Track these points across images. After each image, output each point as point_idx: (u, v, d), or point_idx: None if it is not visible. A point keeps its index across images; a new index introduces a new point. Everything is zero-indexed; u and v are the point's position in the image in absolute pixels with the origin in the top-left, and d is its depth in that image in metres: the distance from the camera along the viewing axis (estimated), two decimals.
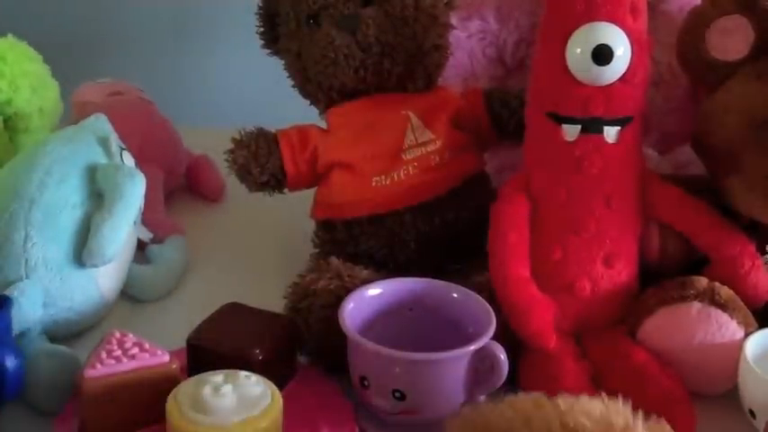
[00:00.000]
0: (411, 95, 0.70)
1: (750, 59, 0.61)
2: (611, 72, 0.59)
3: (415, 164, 0.68)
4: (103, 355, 0.55)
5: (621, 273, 0.62)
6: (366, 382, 0.56)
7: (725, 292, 0.60)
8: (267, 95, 0.96)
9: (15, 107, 0.79)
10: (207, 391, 0.50)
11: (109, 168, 0.66)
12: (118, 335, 0.57)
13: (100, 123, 0.71)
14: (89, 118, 0.71)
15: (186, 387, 0.51)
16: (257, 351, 0.56)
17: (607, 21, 0.58)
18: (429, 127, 0.69)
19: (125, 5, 1.26)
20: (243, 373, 0.52)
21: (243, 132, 0.72)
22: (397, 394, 0.54)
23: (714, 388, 0.60)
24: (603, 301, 0.62)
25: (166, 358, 0.56)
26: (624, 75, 0.59)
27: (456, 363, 0.55)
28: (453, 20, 0.73)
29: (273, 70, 0.76)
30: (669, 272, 0.63)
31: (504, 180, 0.67)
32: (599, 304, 0.62)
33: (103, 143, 0.69)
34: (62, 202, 0.64)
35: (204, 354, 0.57)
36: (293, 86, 0.74)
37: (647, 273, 0.64)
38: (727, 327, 0.58)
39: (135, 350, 0.56)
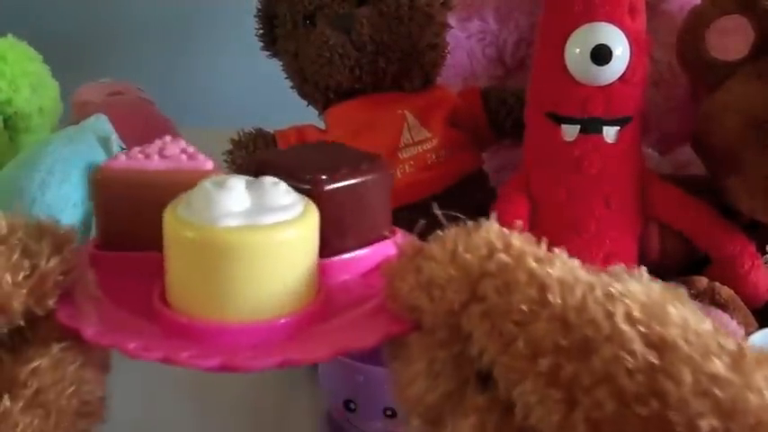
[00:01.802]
0: (407, 94, 0.70)
1: (750, 59, 0.61)
2: (610, 72, 0.59)
3: (411, 162, 0.68)
4: (135, 150, 0.45)
5: None
6: (353, 406, 0.54)
7: (725, 291, 0.60)
8: (266, 96, 0.97)
9: (15, 107, 0.80)
10: (208, 184, 0.38)
11: None
12: (166, 139, 0.47)
13: (101, 123, 0.71)
14: (90, 118, 0.72)
15: (195, 187, 0.39)
16: (323, 178, 0.42)
17: (606, 21, 0.58)
18: (425, 125, 0.69)
19: (125, 5, 1.26)
20: (270, 179, 0.39)
21: (241, 133, 0.72)
22: (389, 412, 0.53)
23: None
24: None
25: (209, 165, 0.45)
26: (623, 75, 0.59)
27: None
28: (453, 20, 0.74)
29: (273, 71, 0.76)
30: (669, 272, 0.63)
31: (503, 179, 0.67)
32: None
33: (104, 143, 0.69)
34: (64, 201, 0.64)
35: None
36: (292, 87, 0.74)
37: (647, 273, 0.64)
38: (727, 327, 0.58)
39: (173, 151, 0.45)
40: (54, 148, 0.66)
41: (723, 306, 0.59)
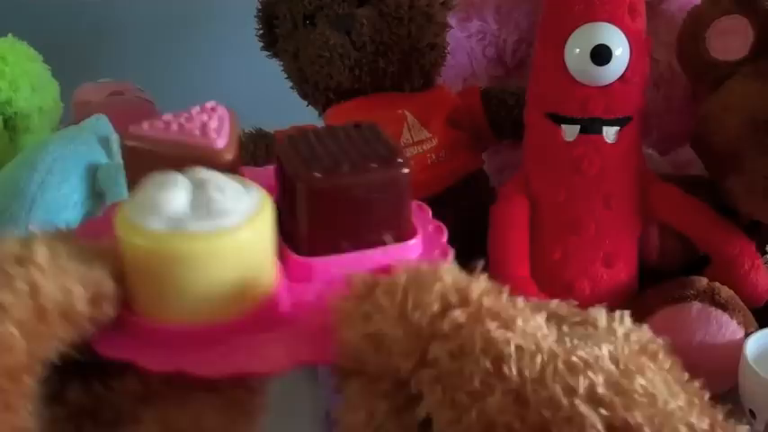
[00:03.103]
0: (408, 94, 0.70)
1: (750, 59, 0.61)
2: (610, 72, 0.59)
3: (411, 162, 0.68)
4: (167, 116, 0.45)
5: (621, 273, 0.62)
6: None
7: (725, 292, 0.60)
8: (266, 96, 0.97)
9: (15, 107, 0.80)
10: (151, 185, 0.37)
11: (110, 168, 0.67)
12: (218, 109, 0.47)
13: (101, 123, 0.71)
14: (90, 118, 0.72)
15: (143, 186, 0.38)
16: (316, 176, 0.40)
17: (606, 21, 0.58)
18: (425, 125, 0.69)
19: (125, 6, 1.26)
20: (216, 182, 0.37)
21: (241, 133, 0.72)
22: None
23: (714, 387, 0.59)
24: (603, 301, 0.61)
25: (220, 144, 0.43)
26: (623, 75, 0.59)
27: None
28: (453, 21, 0.74)
29: (273, 71, 0.76)
30: (669, 272, 0.63)
31: (504, 180, 0.67)
32: (599, 304, 0.62)
33: (104, 143, 0.69)
34: (63, 201, 0.64)
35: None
36: (292, 87, 0.74)
37: (647, 273, 0.64)
38: (727, 327, 0.58)
39: (193, 124, 0.44)
40: (54, 148, 0.66)
41: (723, 306, 0.59)
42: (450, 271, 0.34)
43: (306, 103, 0.75)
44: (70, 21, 1.25)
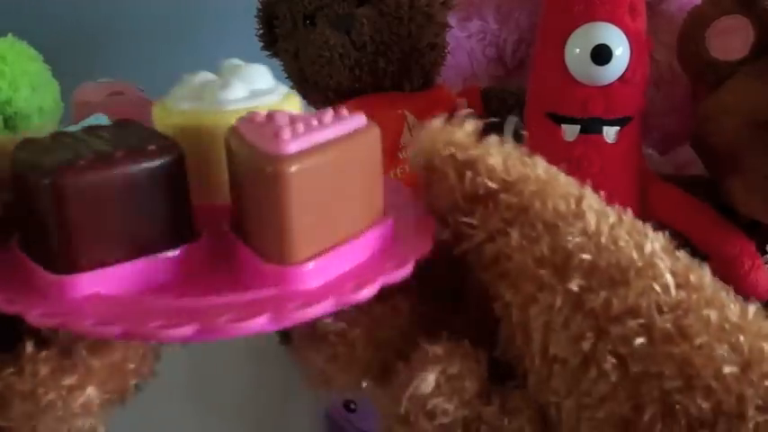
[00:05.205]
0: (408, 94, 0.70)
1: (750, 59, 0.61)
2: (611, 72, 0.59)
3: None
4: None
5: None
6: (353, 406, 0.54)
7: None
8: None
9: (15, 107, 0.80)
10: (186, 80, 0.42)
11: None
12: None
13: (101, 123, 0.71)
14: (89, 117, 0.71)
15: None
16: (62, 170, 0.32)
17: (606, 21, 0.58)
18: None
19: (125, 5, 1.26)
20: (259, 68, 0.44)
21: None
22: None
23: None
24: None
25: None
26: (623, 74, 0.59)
27: None
28: (453, 20, 0.74)
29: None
30: None
31: None
32: None
33: None
34: None
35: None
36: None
37: None
38: None
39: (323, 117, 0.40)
40: None
41: None
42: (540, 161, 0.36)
43: (306, 102, 0.75)
44: (70, 21, 1.25)
